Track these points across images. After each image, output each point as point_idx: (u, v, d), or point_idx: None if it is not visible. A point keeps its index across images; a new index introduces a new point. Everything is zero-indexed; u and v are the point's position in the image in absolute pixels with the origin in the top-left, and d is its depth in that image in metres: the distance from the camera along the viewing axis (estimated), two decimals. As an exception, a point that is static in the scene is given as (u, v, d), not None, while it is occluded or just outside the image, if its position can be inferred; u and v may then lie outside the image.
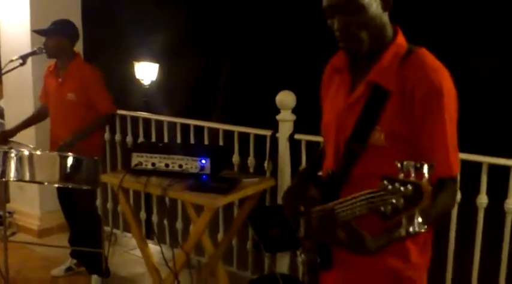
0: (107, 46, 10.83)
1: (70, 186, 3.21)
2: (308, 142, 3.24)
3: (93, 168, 3.12)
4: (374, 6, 1.46)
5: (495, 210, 2.69)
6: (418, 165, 1.14)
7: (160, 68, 12.03)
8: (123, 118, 4.18)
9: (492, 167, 2.64)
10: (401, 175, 1.15)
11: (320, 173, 1.74)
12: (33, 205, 4.53)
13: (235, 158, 3.51)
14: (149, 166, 2.79)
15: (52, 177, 3.10)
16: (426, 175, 1.13)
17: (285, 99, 3.22)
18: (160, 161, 2.77)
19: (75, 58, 3.51)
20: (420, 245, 1.58)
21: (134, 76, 11.72)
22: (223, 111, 12.51)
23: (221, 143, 3.56)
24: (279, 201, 3.29)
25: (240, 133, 3.52)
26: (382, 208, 1.17)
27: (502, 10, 10.28)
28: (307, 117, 3.69)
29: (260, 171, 3.42)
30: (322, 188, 1.60)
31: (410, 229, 1.15)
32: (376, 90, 1.49)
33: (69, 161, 3.06)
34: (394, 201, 1.14)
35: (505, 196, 2.61)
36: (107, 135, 4.17)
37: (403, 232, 1.16)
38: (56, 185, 3.33)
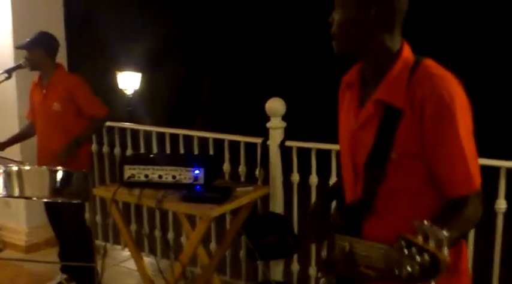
0: (89, 56, 10.74)
1: (60, 201, 3.16)
2: (299, 149, 3.24)
3: (83, 181, 3.08)
4: (357, 13, 1.44)
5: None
6: (436, 229, 1.10)
7: (143, 77, 11.98)
8: (109, 129, 4.15)
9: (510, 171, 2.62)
10: (420, 239, 1.11)
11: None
12: (19, 221, 4.46)
13: (226, 167, 3.50)
14: (142, 178, 2.76)
15: (42, 191, 3.04)
16: (446, 246, 1.10)
17: (275, 106, 3.22)
18: (153, 172, 2.75)
19: (57, 69, 3.51)
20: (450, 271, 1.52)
21: (117, 86, 11.65)
22: (208, 119, 12.49)
23: (211, 152, 3.55)
24: (271, 208, 3.29)
25: (230, 141, 3.51)
26: (397, 271, 1.14)
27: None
28: (298, 123, 3.72)
29: (251, 179, 3.42)
30: (345, 216, 1.55)
31: None
32: (387, 109, 1.43)
33: (59, 175, 3.00)
34: (409, 268, 1.10)
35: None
36: (94, 147, 4.13)
37: None
38: (45, 200, 3.28)
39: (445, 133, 1.37)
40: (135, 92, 11.86)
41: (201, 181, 2.71)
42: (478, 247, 2.78)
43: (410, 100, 1.39)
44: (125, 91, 11.67)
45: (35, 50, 3.39)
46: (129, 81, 11.68)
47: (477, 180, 1.42)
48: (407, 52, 1.47)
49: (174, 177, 2.73)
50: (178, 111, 12.37)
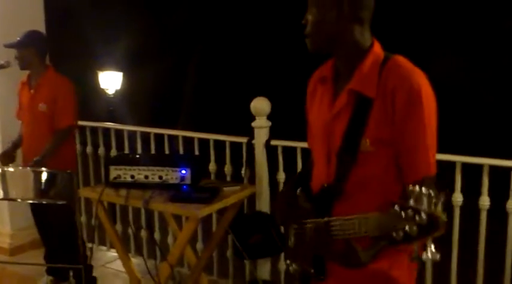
0: (70, 55, 10.63)
1: (45, 202, 3.14)
2: (285, 148, 3.26)
3: (68, 182, 3.06)
4: (331, 12, 1.53)
5: (496, 211, 2.74)
6: (432, 193, 1.15)
7: (124, 77, 11.88)
8: (93, 129, 4.12)
9: (492, 169, 2.67)
10: (412, 202, 1.16)
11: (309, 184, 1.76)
12: (3, 223, 4.40)
13: (212, 166, 3.50)
14: (128, 179, 2.75)
15: (26, 193, 3.03)
16: (440, 204, 1.15)
17: (260, 105, 3.23)
18: (139, 173, 2.74)
19: (47, 69, 3.47)
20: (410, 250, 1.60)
21: (98, 85, 11.55)
22: (191, 118, 12.44)
23: (196, 152, 3.55)
24: (258, 207, 3.30)
25: (215, 141, 3.51)
26: (394, 234, 1.18)
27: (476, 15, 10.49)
28: (283, 123, 3.73)
29: (237, 179, 3.43)
30: (315, 200, 1.62)
31: (424, 256, 1.17)
32: (359, 98, 1.53)
33: (43, 176, 2.99)
34: (407, 228, 1.15)
35: (506, 198, 2.65)
36: (77, 147, 4.10)
37: (412, 260, 1.20)
38: (30, 201, 3.25)
39: (412, 120, 1.48)
40: (117, 92, 11.77)
41: (188, 181, 2.71)
42: (461, 244, 2.84)
43: (382, 90, 1.50)
44: (107, 91, 11.57)
45: (26, 49, 3.34)
46: (110, 81, 11.57)
47: (433, 168, 1.53)
48: (377, 47, 1.59)
49: (160, 177, 2.73)
50: (161, 110, 12.32)
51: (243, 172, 3.38)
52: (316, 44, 1.59)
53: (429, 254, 1.16)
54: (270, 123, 3.28)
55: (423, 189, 1.16)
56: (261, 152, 3.27)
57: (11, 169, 3.00)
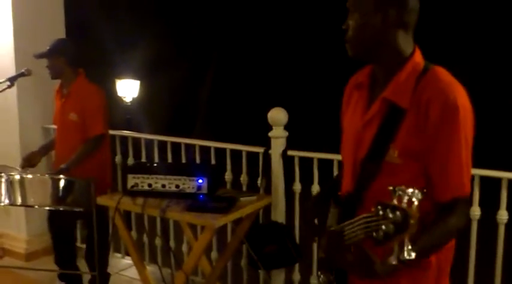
0: (88, 63, 10.75)
1: (61, 208, 3.17)
2: (301, 159, 3.25)
3: (85, 189, 3.09)
4: (376, 16, 1.48)
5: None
6: (410, 191, 1.14)
7: (141, 85, 11.97)
8: (111, 138, 4.14)
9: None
10: (394, 201, 1.15)
11: (339, 193, 1.74)
12: (19, 229, 4.45)
13: (228, 176, 3.50)
14: (146, 187, 2.76)
15: (44, 200, 3.07)
16: (416, 201, 1.13)
17: (277, 115, 3.23)
18: (156, 182, 2.75)
19: (78, 77, 3.46)
20: (434, 271, 1.54)
21: (116, 93, 11.65)
22: (207, 127, 12.48)
23: (213, 161, 3.56)
24: (273, 217, 3.29)
25: (230, 150, 3.52)
26: (375, 234, 1.17)
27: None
28: (300, 133, 3.73)
29: (253, 188, 3.42)
30: (341, 208, 1.60)
31: (400, 256, 1.15)
32: (391, 108, 1.49)
33: (61, 183, 3.03)
34: (384, 227, 1.14)
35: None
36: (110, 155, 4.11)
37: (393, 260, 1.16)
38: (48, 208, 3.28)
39: (446, 136, 1.42)
40: (134, 100, 11.86)
41: (205, 190, 2.71)
42: (478, 259, 2.79)
43: (417, 101, 1.45)
44: (124, 99, 11.66)
45: (56, 58, 3.36)
46: (128, 89, 11.67)
47: (468, 187, 1.46)
48: (418, 57, 1.53)
49: (177, 186, 2.73)
50: (177, 119, 12.38)
51: (259, 182, 3.37)
52: (357, 49, 1.54)
53: (405, 254, 1.14)
54: (287, 133, 3.27)
55: (406, 187, 1.15)
56: (277, 162, 3.26)
57: (30, 176, 3.03)
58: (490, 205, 2.73)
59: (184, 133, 3.90)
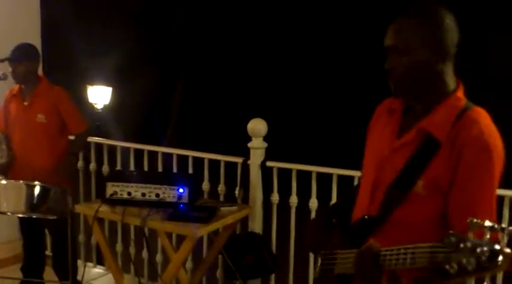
0: (60, 69, 10.58)
1: (35, 216, 3.12)
2: (280, 170, 3.27)
3: (61, 197, 3.04)
4: (425, 52, 1.47)
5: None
6: (496, 226, 1.09)
7: (113, 91, 11.82)
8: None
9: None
10: (471, 235, 1.11)
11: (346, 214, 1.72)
12: (-14, 236, 4.34)
13: (206, 185, 3.49)
14: (125, 196, 2.74)
15: (18, 207, 3.00)
16: (506, 238, 1.09)
17: (257, 126, 3.25)
18: (136, 190, 2.73)
19: (42, 80, 3.47)
20: None
21: (87, 100, 11.47)
22: (178, 135, 12.40)
23: (190, 170, 3.55)
24: (250, 228, 3.30)
25: (209, 160, 3.51)
26: (447, 267, 1.11)
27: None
28: (279, 144, 3.74)
29: (229, 198, 3.42)
30: (351, 230, 1.58)
31: None
32: (427, 139, 1.47)
33: (36, 190, 2.97)
34: (464, 261, 1.08)
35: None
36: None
37: None
38: (21, 215, 3.21)
39: (478, 177, 1.42)
40: (105, 107, 11.69)
41: (185, 200, 2.71)
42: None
43: (452, 138, 1.44)
44: (95, 106, 11.49)
45: (26, 62, 3.33)
46: (99, 95, 11.50)
47: None
48: (460, 93, 1.52)
49: (157, 195, 2.72)
50: (149, 127, 12.26)
51: (236, 192, 3.38)
52: (407, 89, 1.51)
53: None
54: (266, 144, 3.30)
55: (486, 221, 1.10)
56: (256, 173, 3.28)
57: (3, 181, 2.97)
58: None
59: (156, 141, 3.88)
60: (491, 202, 1.45)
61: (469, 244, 1.09)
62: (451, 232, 1.13)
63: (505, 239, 1.08)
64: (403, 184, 1.47)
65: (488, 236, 1.09)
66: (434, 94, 1.51)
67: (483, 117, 1.48)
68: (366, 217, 1.55)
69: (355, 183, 2.80)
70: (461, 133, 1.44)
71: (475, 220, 1.11)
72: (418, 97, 1.54)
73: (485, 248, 1.06)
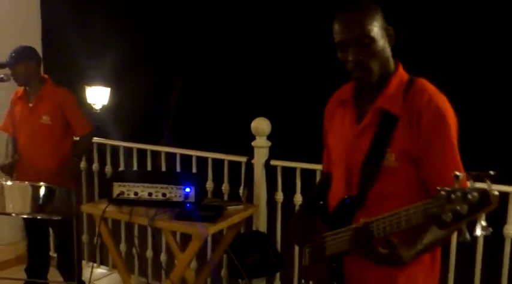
0: (58, 70, 10.56)
1: (40, 217, 3.11)
2: (284, 168, 3.28)
3: (66, 197, 3.05)
4: (382, 39, 1.61)
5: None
6: (476, 174, 1.19)
7: (111, 92, 11.84)
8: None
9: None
10: (457, 185, 1.20)
11: (321, 202, 1.81)
12: (-10, 237, 4.33)
13: (210, 185, 3.50)
14: (132, 196, 2.74)
15: (23, 208, 3.00)
16: (489, 182, 1.18)
17: (260, 125, 3.25)
18: (143, 190, 2.73)
19: (46, 81, 3.47)
20: (426, 270, 1.64)
21: (85, 100, 11.48)
22: (173, 134, 12.40)
23: (194, 170, 3.55)
24: (255, 227, 3.31)
25: (213, 160, 3.51)
26: (444, 217, 1.20)
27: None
28: (282, 143, 3.76)
29: (233, 197, 3.43)
30: (333, 216, 1.66)
31: (476, 232, 1.19)
32: (385, 116, 1.60)
33: (42, 191, 2.97)
34: (458, 208, 1.17)
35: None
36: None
37: (467, 236, 1.20)
38: (26, 216, 3.21)
39: (439, 140, 1.54)
40: (104, 107, 11.71)
41: (192, 199, 2.71)
42: (484, 272, 2.74)
43: (408, 110, 1.56)
44: (94, 106, 11.51)
45: (25, 63, 3.33)
46: (98, 96, 11.52)
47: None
48: (402, 70, 1.67)
49: (164, 194, 2.72)
50: (148, 126, 12.27)
51: (240, 191, 3.39)
52: (378, 75, 1.61)
53: (479, 230, 1.18)
54: (270, 143, 3.30)
55: (472, 172, 1.20)
56: (260, 172, 3.28)
57: (9, 183, 2.97)
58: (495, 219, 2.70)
59: (154, 141, 3.89)
60: (458, 159, 1.56)
61: (459, 193, 1.18)
62: (438, 187, 1.23)
63: (490, 183, 1.18)
64: (374, 160, 1.58)
65: (469, 185, 1.19)
66: (383, 76, 1.63)
67: (428, 85, 1.62)
68: (346, 196, 1.64)
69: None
70: (414, 102, 1.57)
71: (457, 173, 1.21)
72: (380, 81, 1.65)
73: (475, 194, 1.16)
